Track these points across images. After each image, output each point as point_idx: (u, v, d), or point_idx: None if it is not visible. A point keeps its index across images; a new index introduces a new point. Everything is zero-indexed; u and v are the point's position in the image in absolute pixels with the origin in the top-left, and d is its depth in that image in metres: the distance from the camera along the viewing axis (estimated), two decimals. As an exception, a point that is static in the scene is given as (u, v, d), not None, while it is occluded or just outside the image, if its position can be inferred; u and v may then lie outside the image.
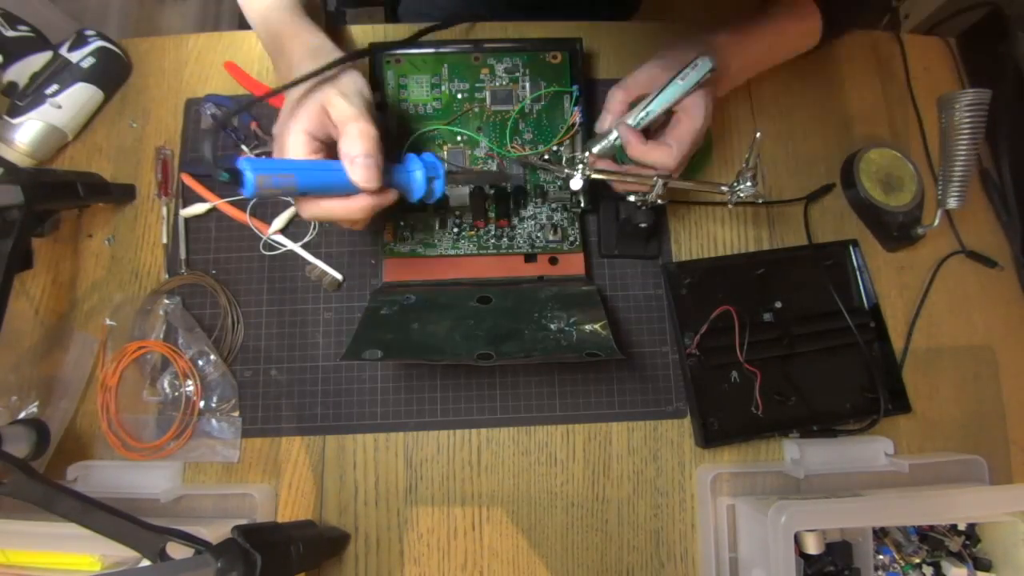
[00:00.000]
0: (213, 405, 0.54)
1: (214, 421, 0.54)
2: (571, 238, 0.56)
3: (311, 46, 0.48)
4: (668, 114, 0.48)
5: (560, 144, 0.58)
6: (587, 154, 0.51)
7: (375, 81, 0.58)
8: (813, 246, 0.60)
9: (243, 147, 0.59)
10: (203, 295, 0.57)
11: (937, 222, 0.58)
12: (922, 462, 0.54)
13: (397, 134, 0.57)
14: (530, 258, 0.56)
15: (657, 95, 0.47)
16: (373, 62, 0.59)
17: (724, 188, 0.49)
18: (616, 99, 0.50)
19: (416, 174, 0.45)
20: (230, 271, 0.58)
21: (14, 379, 0.54)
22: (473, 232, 0.56)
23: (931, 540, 0.51)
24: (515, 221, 0.56)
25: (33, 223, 0.50)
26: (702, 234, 0.60)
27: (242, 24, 0.56)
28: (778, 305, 0.58)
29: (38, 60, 0.58)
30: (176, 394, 0.54)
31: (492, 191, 0.56)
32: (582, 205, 0.56)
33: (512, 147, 0.57)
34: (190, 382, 0.54)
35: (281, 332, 0.56)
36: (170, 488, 0.52)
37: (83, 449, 0.54)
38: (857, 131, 0.64)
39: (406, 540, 0.53)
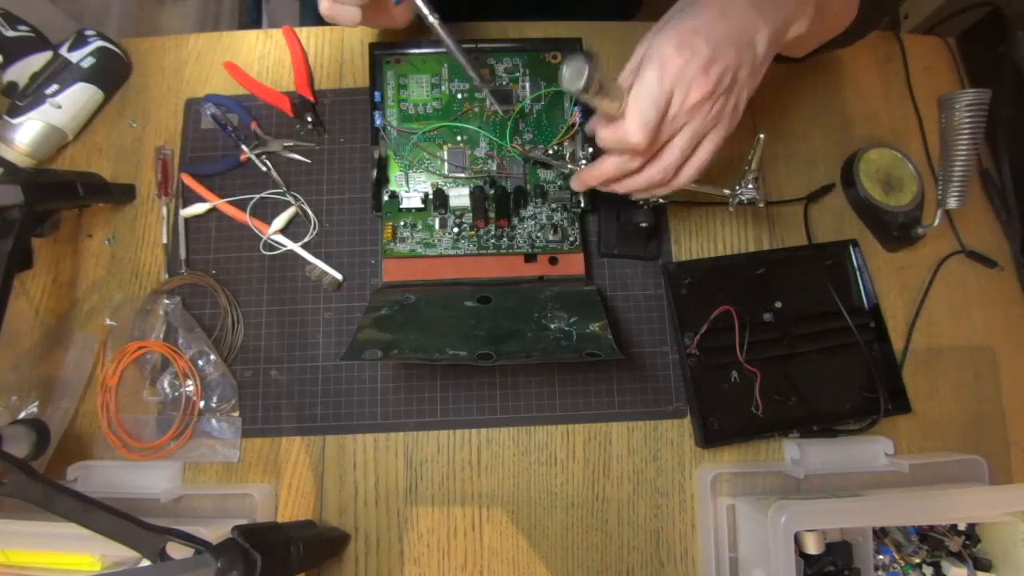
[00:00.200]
0: (213, 405, 0.54)
1: (214, 421, 0.54)
2: (571, 238, 0.56)
3: None
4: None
5: (560, 144, 0.58)
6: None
7: (375, 81, 0.59)
8: (813, 246, 0.60)
9: (243, 147, 0.59)
10: (203, 295, 0.57)
11: (937, 222, 0.58)
12: (922, 462, 0.54)
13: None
14: (530, 258, 0.56)
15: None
16: (373, 62, 0.59)
17: (726, 191, 0.49)
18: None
19: None
20: (230, 271, 0.58)
21: (14, 379, 0.54)
22: (473, 232, 0.56)
23: (931, 540, 0.51)
24: (515, 221, 0.56)
25: (33, 223, 0.50)
26: (702, 234, 0.60)
27: (242, 24, 0.56)
28: (778, 305, 0.58)
29: (38, 60, 0.58)
30: (176, 394, 0.54)
31: (492, 191, 0.56)
32: (582, 205, 0.56)
33: (512, 147, 0.57)
34: (190, 382, 0.54)
35: (281, 332, 0.56)
36: (170, 488, 0.52)
37: (83, 449, 0.54)
38: (857, 131, 0.64)
39: (406, 540, 0.53)
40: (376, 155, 0.57)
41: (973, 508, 0.47)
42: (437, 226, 0.56)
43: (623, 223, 0.56)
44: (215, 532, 0.42)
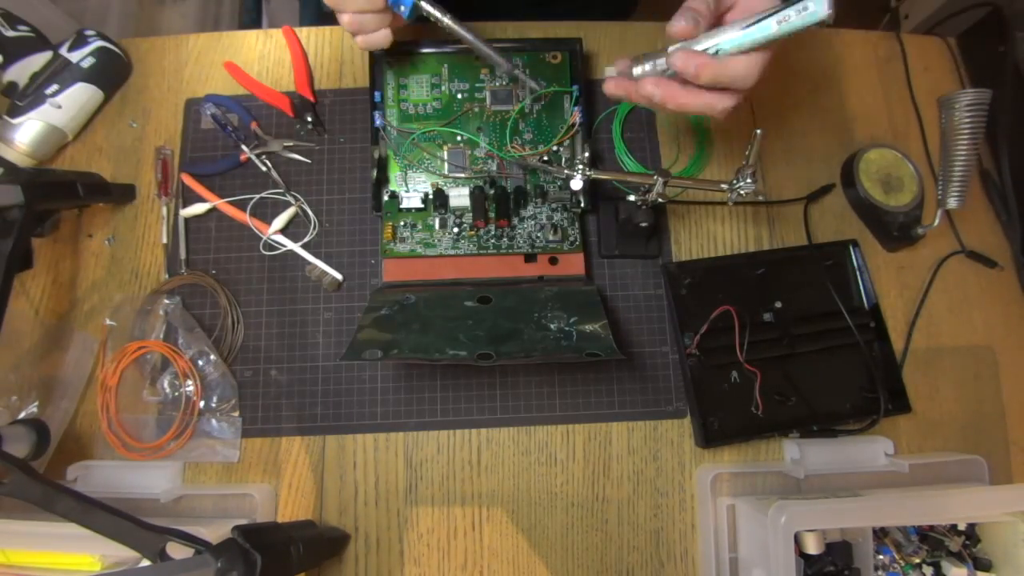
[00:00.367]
0: (213, 405, 0.54)
1: (214, 421, 0.54)
2: (571, 238, 0.56)
3: None
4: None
5: (560, 144, 0.58)
6: (639, 68, 0.43)
7: (375, 81, 0.59)
8: (813, 246, 0.60)
9: (243, 147, 0.59)
10: (203, 295, 0.57)
11: (937, 222, 0.58)
12: (922, 462, 0.54)
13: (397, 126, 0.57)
14: (530, 258, 0.56)
15: (739, 32, 0.38)
16: (373, 62, 0.59)
17: (724, 186, 0.49)
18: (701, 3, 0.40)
19: None
20: (230, 271, 0.58)
21: (14, 379, 0.54)
22: (473, 232, 0.56)
23: (931, 540, 0.51)
24: (515, 221, 0.56)
25: (33, 223, 0.50)
26: (702, 234, 0.60)
27: (242, 24, 0.56)
28: (778, 305, 0.58)
29: (38, 60, 0.58)
30: (176, 394, 0.54)
31: (492, 191, 0.56)
32: (582, 205, 0.56)
33: (512, 147, 0.57)
34: (190, 382, 0.54)
35: (281, 332, 0.56)
36: (170, 488, 0.52)
37: (83, 449, 0.54)
38: (857, 131, 0.64)
39: (406, 540, 0.53)
40: (376, 155, 0.57)
41: (973, 508, 0.47)
42: (437, 226, 0.56)
43: (623, 223, 0.56)
44: (215, 532, 0.42)
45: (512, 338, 0.47)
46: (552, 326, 0.48)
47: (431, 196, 0.56)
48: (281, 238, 0.58)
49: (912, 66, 0.66)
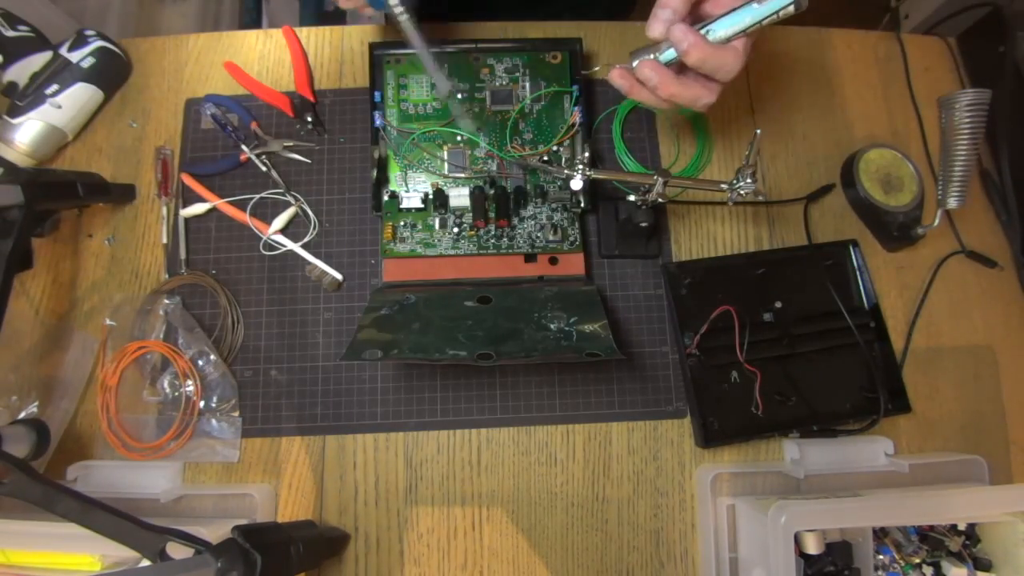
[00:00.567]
0: (213, 405, 0.54)
1: (214, 421, 0.54)
2: (571, 238, 0.56)
3: None
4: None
5: (560, 144, 0.58)
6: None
7: (375, 81, 0.59)
8: (813, 246, 0.60)
9: (243, 147, 0.59)
10: (203, 295, 0.57)
11: (937, 222, 0.58)
12: (922, 462, 0.54)
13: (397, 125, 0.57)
14: (530, 258, 0.56)
15: (724, 16, 0.41)
16: (373, 62, 0.59)
17: (724, 186, 0.49)
18: None
19: None
20: (230, 271, 0.58)
21: (14, 379, 0.54)
22: (473, 232, 0.56)
23: (931, 540, 0.51)
24: (515, 221, 0.56)
25: (33, 223, 0.50)
26: (702, 234, 0.60)
27: (242, 24, 0.56)
28: (778, 305, 0.58)
29: (38, 60, 0.58)
30: (176, 394, 0.54)
31: (492, 191, 0.56)
32: (582, 205, 0.56)
33: (512, 147, 0.57)
34: (190, 382, 0.54)
35: (281, 332, 0.56)
36: (170, 488, 0.52)
37: (83, 449, 0.54)
38: (857, 131, 0.64)
39: (406, 540, 0.53)
40: (376, 155, 0.57)
41: (973, 508, 0.47)
42: (437, 226, 0.56)
43: (623, 223, 0.56)
44: (215, 532, 0.42)
45: (512, 338, 0.47)
46: (552, 326, 0.48)
47: (431, 196, 0.56)
48: (281, 238, 0.58)
49: (912, 66, 0.66)
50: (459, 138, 0.58)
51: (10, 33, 0.56)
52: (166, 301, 0.56)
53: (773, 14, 0.40)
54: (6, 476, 0.38)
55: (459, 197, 0.56)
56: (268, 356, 0.56)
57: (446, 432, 0.55)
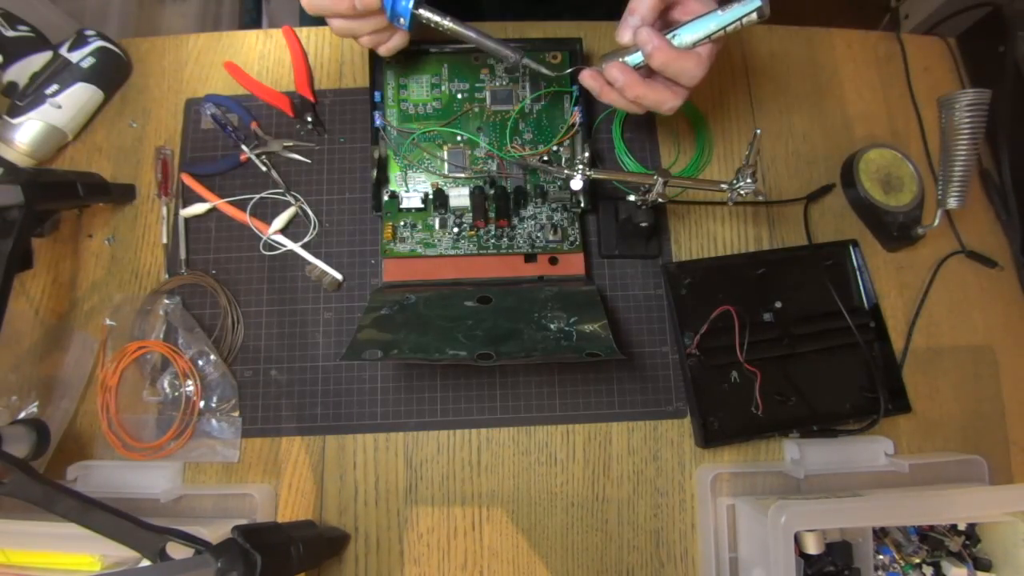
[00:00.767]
0: (213, 405, 0.54)
1: (214, 421, 0.54)
2: (571, 238, 0.56)
3: None
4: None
5: (560, 144, 0.58)
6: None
7: (375, 81, 0.59)
8: (813, 246, 0.60)
9: (243, 147, 0.59)
10: (203, 295, 0.57)
11: (937, 222, 0.58)
12: (922, 462, 0.54)
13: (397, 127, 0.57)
14: (530, 258, 0.56)
15: (690, 22, 0.43)
16: (373, 62, 0.59)
17: (724, 186, 0.49)
18: (646, 3, 0.44)
19: None
20: (230, 271, 0.58)
21: (14, 379, 0.54)
22: (473, 232, 0.56)
23: (931, 540, 0.51)
24: (515, 221, 0.56)
25: (33, 223, 0.50)
26: (702, 234, 0.60)
27: (242, 24, 0.56)
28: (778, 305, 0.58)
29: (38, 60, 0.58)
30: (176, 394, 0.54)
31: (492, 191, 0.56)
32: (582, 205, 0.56)
33: (512, 147, 0.57)
34: (190, 382, 0.54)
35: (281, 332, 0.56)
36: (170, 488, 0.52)
37: (83, 449, 0.54)
38: (857, 131, 0.64)
39: (406, 540, 0.53)
40: (376, 155, 0.57)
41: (973, 508, 0.47)
42: (437, 226, 0.56)
43: (623, 223, 0.56)
44: (215, 532, 0.42)
45: (512, 338, 0.47)
46: (552, 326, 0.48)
47: (431, 196, 0.56)
48: (281, 238, 0.58)
49: (912, 66, 0.66)
50: (459, 138, 0.58)
51: (10, 33, 0.56)
52: (166, 301, 0.56)
53: (736, 21, 0.42)
54: (6, 476, 0.38)
55: (459, 197, 0.56)
56: (268, 356, 0.56)
57: (446, 432, 0.55)
